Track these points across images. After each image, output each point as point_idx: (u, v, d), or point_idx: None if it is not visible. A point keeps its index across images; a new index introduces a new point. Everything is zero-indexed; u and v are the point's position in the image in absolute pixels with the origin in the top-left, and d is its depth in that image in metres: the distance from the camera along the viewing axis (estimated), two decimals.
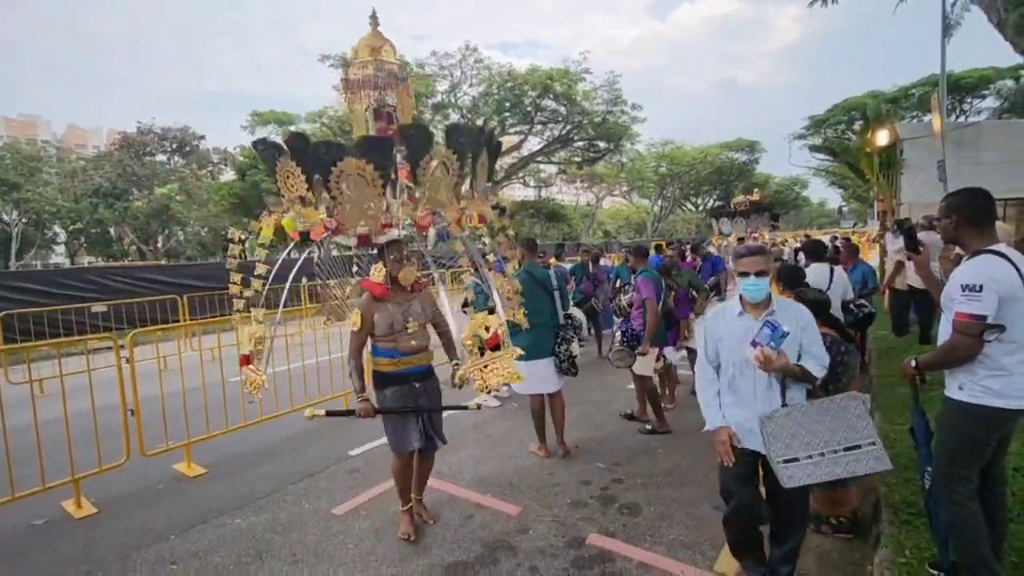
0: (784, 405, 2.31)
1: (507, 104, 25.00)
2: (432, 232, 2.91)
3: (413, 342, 3.07)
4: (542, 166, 35.31)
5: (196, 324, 7.85)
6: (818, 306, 2.96)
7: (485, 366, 2.94)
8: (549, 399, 4.35)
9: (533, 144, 29.09)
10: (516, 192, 51.67)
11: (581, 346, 4.60)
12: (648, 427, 4.77)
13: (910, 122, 18.03)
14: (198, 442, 4.49)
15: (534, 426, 4.40)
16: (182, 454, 4.44)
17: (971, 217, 2.20)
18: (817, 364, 2.36)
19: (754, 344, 2.26)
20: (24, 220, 27.42)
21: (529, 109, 25.52)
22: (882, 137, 10.33)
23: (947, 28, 9.10)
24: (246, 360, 2.99)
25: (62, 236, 31.27)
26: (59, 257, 35.72)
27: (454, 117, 26.87)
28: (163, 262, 25.77)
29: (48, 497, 3.73)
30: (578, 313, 4.62)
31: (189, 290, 11.64)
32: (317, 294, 3.70)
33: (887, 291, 7.30)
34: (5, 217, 27.31)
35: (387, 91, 2.98)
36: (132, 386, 4.09)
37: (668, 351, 5.07)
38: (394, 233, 2.79)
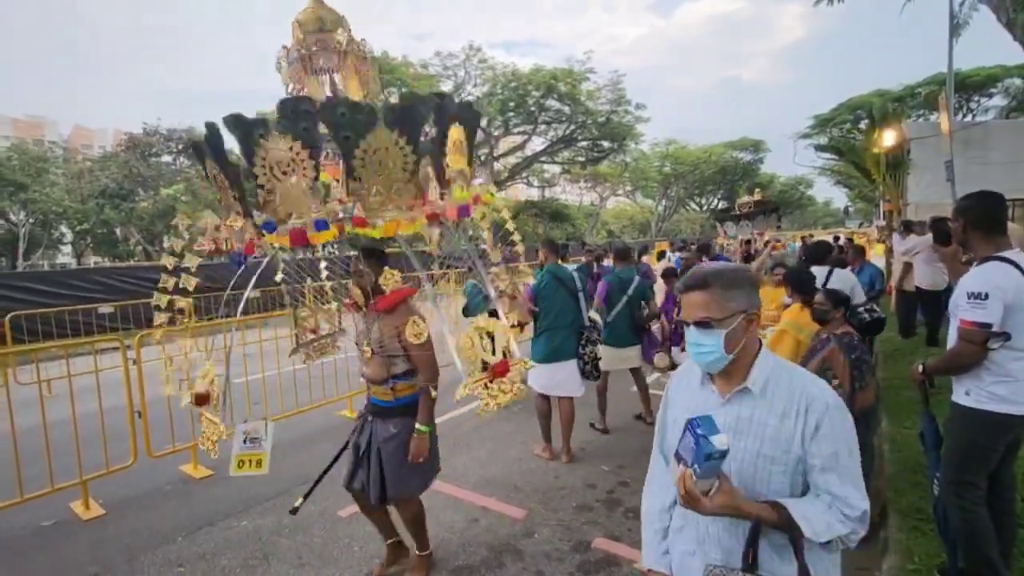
0: (752, 564, 1.25)
1: (511, 104, 24.99)
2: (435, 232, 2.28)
3: (365, 369, 2.71)
4: (546, 166, 35.30)
5: (203, 326, 7.87)
6: (843, 303, 2.96)
7: (490, 381, 2.36)
8: (559, 401, 4.33)
9: (537, 144, 29.10)
10: (520, 192, 51.67)
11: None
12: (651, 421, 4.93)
13: (917, 121, 17.93)
14: None
15: (540, 427, 4.40)
16: (189, 456, 4.46)
17: (979, 221, 2.19)
18: (832, 511, 1.21)
19: (677, 458, 1.25)
20: (31, 221, 27.61)
21: (533, 109, 25.51)
22: (888, 137, 10.26)
23: (955, 27, 9.03)
24: (202, 400, 2.47)
25: (69, 236, 31.44)
26: (65, 257, 35.95)
27: None
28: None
29: (57, 498, 3.75)
30: (596, 316, 4.64)
31: (195, 291, 11.67)
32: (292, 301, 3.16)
33: (894, 292, 7.26)
34: (12, 218, 27.51)
35: (332, 69, 2.43)
36: (140, 387, 4.12)
37: (675, 351, 5.12)
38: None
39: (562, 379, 4.17)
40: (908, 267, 6.72)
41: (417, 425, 2.62)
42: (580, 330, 4.23)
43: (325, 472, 2.96)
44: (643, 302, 4.91)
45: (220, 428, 2.43)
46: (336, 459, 2.97)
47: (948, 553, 2.39)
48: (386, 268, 2.41)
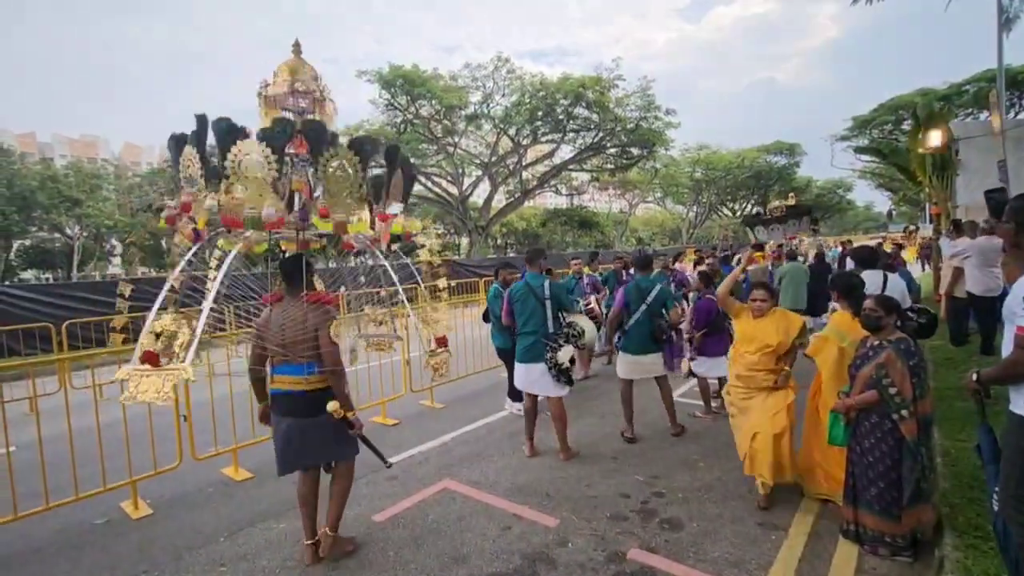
0: None
1: (539, 113, 25.09)
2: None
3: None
4: (574, 174, 35.23)
5: (242, 332, 8.13)
6: (895, 309, 2.90)
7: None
8: (548, 402, 4.56)
9: (565, 152, 29.05)
10: (548, 200, 51.70)
11: (581, 350, 4.91)
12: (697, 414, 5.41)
13: (964, 120, 17.15)
14: (245, 447, 4.65)
15: (525, 424, 4.69)
16: (230, 459, 4.60)
17: None
18: None
19: None
20: (85, 234, 29.23)
21: (561, 117, 25.53)
22: (934, 137, 9.83)
23: (1005, 22, 8.64)
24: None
25: (119, 248, 33.12)
26: (115, 268, 37.80)
27: (487, 127, 27.20)
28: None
29: (108, 497, 3.92)
30: (583, 322, 4.57)
31: (235, 300, 12.09)
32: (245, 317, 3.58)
33: (943, 299, 6.93)
34: (68, 231, 29.17)
35: (306, 112, 3.04)
36: (185, 392, 4.28)
37: (694, 360, 5.36)
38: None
39: (536, 378, 4.44)
40: (959, 272, 6.40)
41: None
42: (546, 337, 4.41)
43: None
44: (663, 310, 4.85)
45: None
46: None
47: (1010, 572, 2.25)
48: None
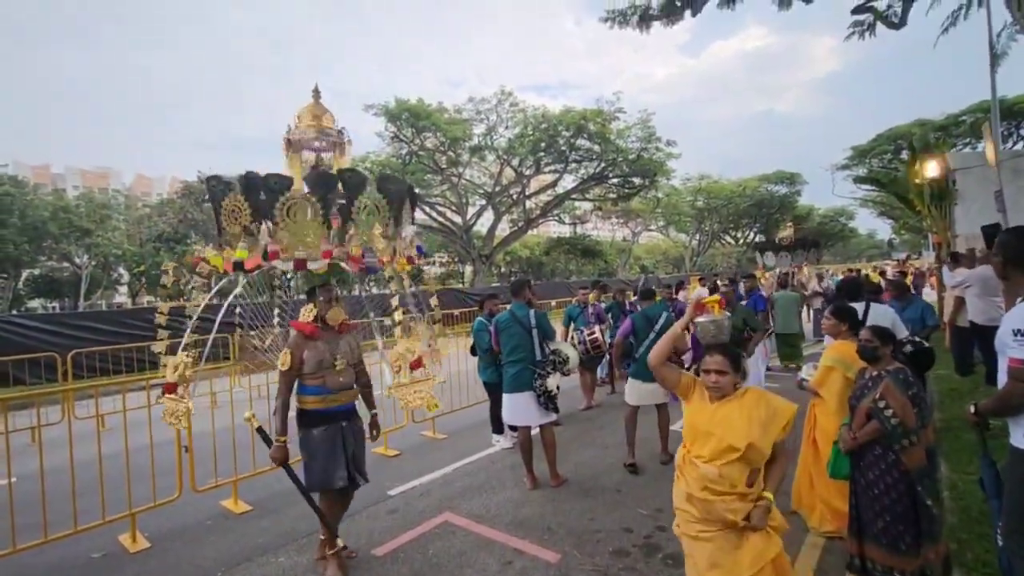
0: None
1: (542, 144, 25.58)
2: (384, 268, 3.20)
3: (341, 379, 3.23)
4: (577, 203, 35.62)
5: (239, 365, 8.16)
6: (891, 339, 2.92)
7: (407, 386, 3.10)
8: (540, 432, 4.59)
9: (568, 182, 29.46)
10: (551, 229, 52.15)
11: (567, 376, 4.91)
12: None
13: (962, 151, 17.40)
14: (245, 479, 4.62)
15: (522, 458, 4.65)
16: (229, 491, 4.57)
17: (1018, 258, 2.12)
18: None
19: None
20: (93, 263, 29.58)
21: (564, 148, 26.01)
22: (931, 168, 9.98)
23: (995, 58, 8.87)
24: (171, 388, 3.22)
25: (125, 278, 33.45)
26: (122, 297, 38.09)
27: (490, 158, 27.69)
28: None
29: (107, 530, 3.89)
30: (568, 349, 4.88)
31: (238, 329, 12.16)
32: (241, 347, 3.97)
33: (947, 328, 6.91)
34: (77, 260, 29.55)
35: (326, 152, 3.51)
36: (187, 424, 4.28)
37: None
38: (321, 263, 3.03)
39: (523, 408, 4.50)
40: (960, 301, 6.40)
41: (374, 411, 3.55)
42: (533, 364, 4.51)
43: (267, 442, 3.22)
44: None
45: (187, 404, 3.20)
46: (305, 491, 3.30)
47: None
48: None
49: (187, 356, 3.29)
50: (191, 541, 3.95)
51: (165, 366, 3.28)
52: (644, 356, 4.83)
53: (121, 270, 32.45)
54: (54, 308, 32.27)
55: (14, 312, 24.64)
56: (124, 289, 35.89)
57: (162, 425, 4.31)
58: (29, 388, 9.28)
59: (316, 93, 3.46)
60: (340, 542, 3.41)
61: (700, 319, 2.59)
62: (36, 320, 11.64)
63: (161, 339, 3.34)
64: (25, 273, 29.51)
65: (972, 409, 2.26)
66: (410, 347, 3.15)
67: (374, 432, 3.51)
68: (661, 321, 4.91)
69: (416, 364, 3.10)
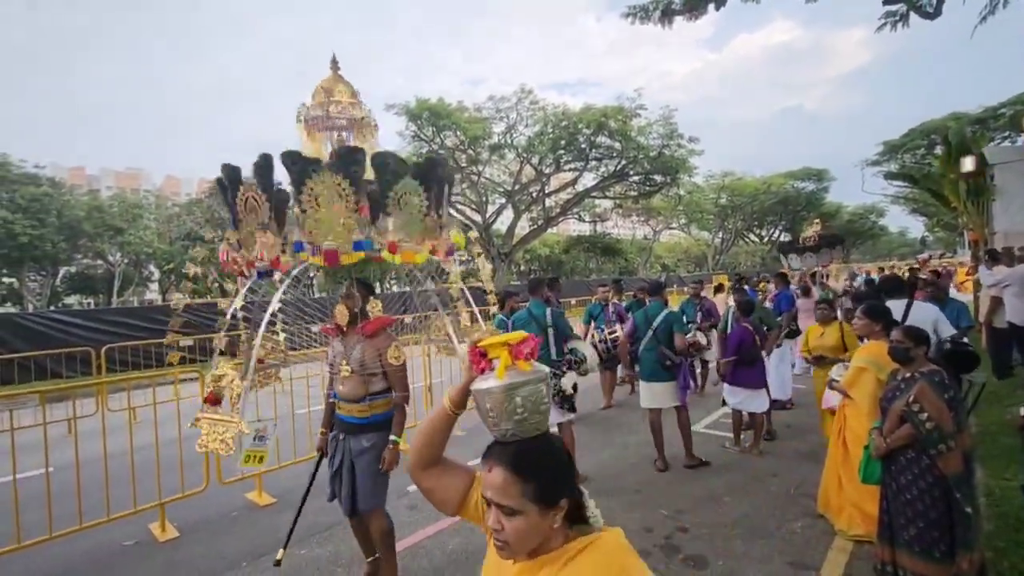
0: None
1: (562, 142, 25.44)
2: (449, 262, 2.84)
3: (342, 387, 2.94)
4: (597, 201, 35.36)
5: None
6: (925, 340, 2.80)
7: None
8: (559, 430, 4.49)
9: (588, 180, 29.26)
10: (571, 227, 51.90)
11: (583, 375, 4.65)
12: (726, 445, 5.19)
13: (1000, 145, 16.73)
14: (270, 472, 4.71)
15: None
16: (254, 483, 4.66)
17: None
18: None
19: None
20: (125, 261, 30.56)
21: (584, 146, 25.84)
22: (967, 163, 9.61)
23: None
24: (214, 400, 2.65)
25: (156, 275, 34.45)
26: (152, 293, 39.23)
27: (510, 156, 27.69)
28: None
29: (138, 519, 4.01)
30: (585, 349, 4.68)
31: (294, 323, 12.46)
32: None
33: (984, 329, 6.67)
34: (110, 258, 30.57)
35: (346, 131, 2.89)
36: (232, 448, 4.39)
37: (726, 388, 5.19)
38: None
39: None
40: (997, 301, 6.17)
41: (393, 437, 3.02)
42: (548, 363, 4.39)
43: (299, 512, 3.21)
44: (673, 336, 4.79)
45: (238, 425, 2.61)
46: (306, 495, 3.22)
47: None
48: (371, 297, 2.90)
49: (231, 366, 2.74)
50: (218, 532, 4.04)
51: (215, 372, 2.72)
52: (642, 355, 4.88)
53: (152, 267, 33.44)
54: (89, 304, 33.41)
55: (52, 308, 25.62)
56: (155, 286, 36.97)
57: (189, 418, 4.45)
58: (66, 381, 9.62)
59: (334, 64, 2.91)
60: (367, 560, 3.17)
61: (476, 384, 1.23)
62: (73, 316, 12.10)
63: (223, 352, 2.84)
64: (62, 271, 30.63)
65: (1023, 413, 2.17)
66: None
67: (387, 464, 3.02)
68: (658, 320, 4.78)
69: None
